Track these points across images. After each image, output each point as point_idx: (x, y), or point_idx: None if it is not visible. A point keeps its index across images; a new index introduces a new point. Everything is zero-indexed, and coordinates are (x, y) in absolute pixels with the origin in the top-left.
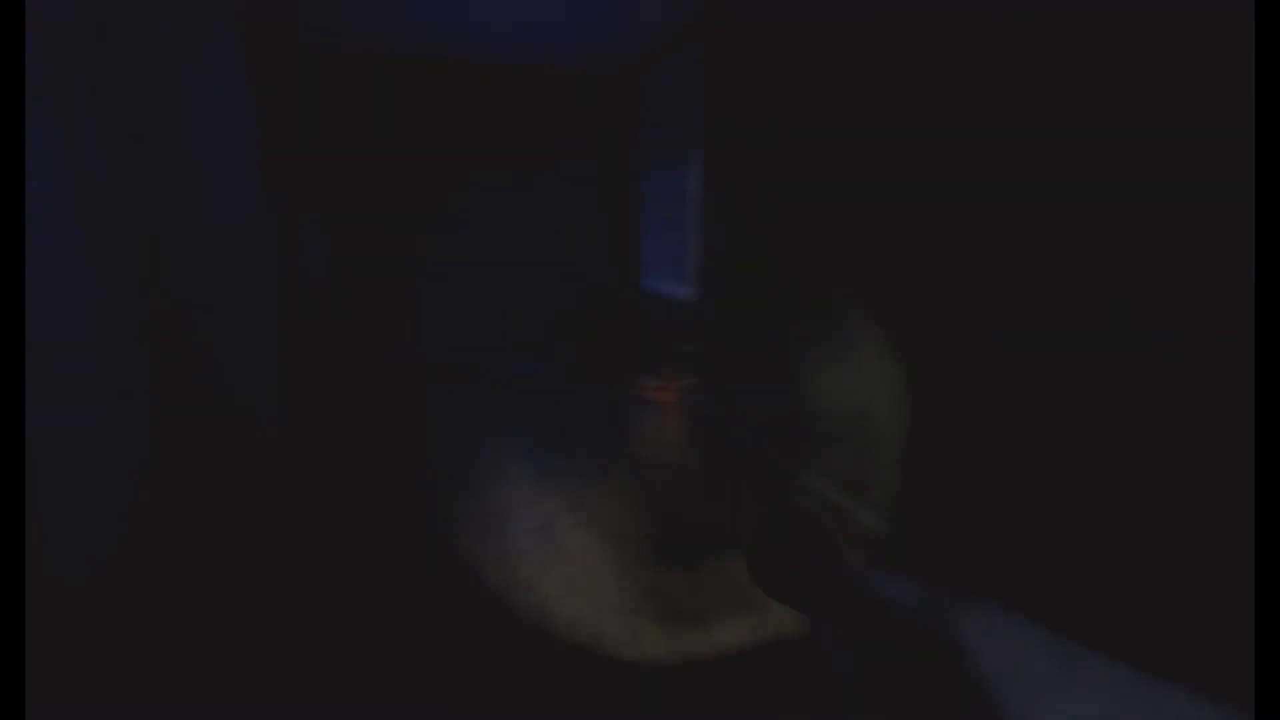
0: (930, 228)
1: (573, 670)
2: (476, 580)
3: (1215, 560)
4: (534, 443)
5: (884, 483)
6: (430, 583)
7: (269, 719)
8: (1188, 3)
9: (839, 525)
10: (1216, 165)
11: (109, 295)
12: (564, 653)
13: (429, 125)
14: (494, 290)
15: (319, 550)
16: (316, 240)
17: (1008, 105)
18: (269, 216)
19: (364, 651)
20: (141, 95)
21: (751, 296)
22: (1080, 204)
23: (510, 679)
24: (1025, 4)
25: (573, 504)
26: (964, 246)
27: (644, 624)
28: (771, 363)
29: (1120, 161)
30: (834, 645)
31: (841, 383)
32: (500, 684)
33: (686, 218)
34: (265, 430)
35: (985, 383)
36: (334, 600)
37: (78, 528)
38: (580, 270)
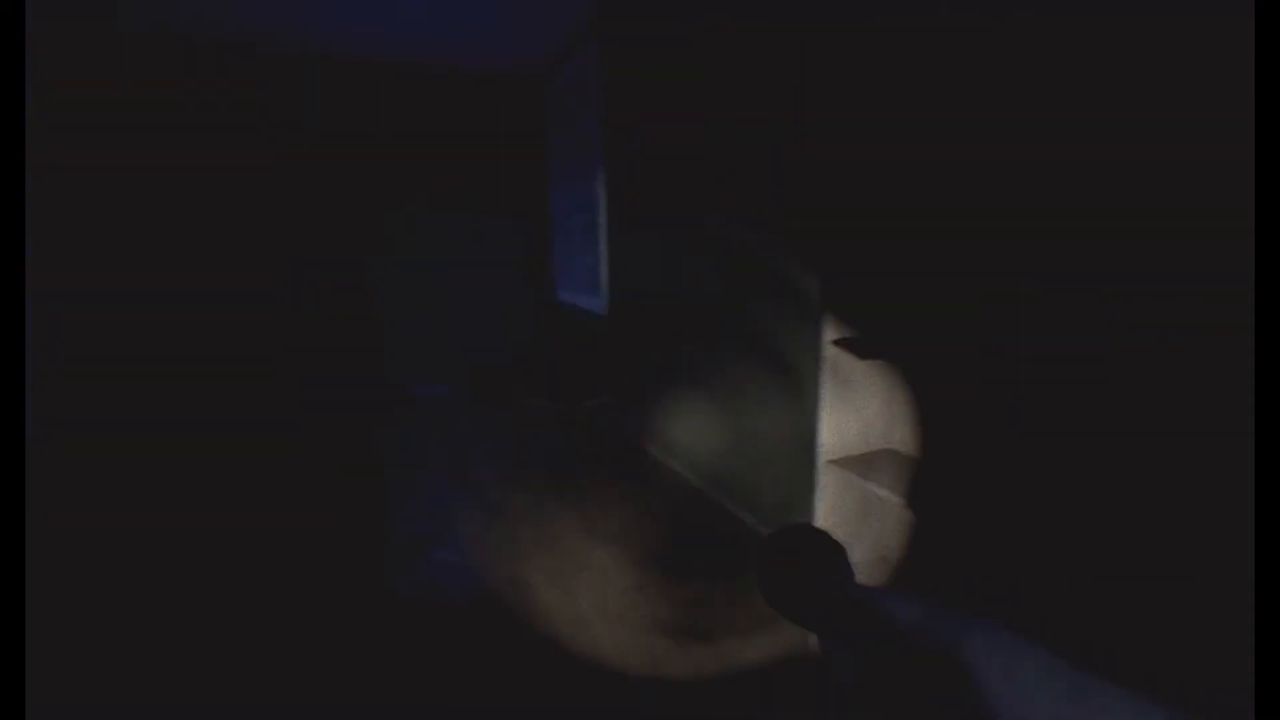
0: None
1: (569, 667)
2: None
3: (1217, 567)
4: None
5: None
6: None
7: (269, 719)
8: (1188, 2)
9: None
10: (1216, 165)
11: None
12: (557, 650)
13: (324, 131)
14: (401, 303)
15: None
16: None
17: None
18: None
19: (364, 660)
20: None
21: (657, 311)
22: (1077, 204)
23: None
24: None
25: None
26: (942, 247)
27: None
28: (681, 382)
29: (1117, 161)
30: (839, 663)
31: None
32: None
33: (598, 228)
34: None
35: (983, 384)
36: (336, 610)
37: None
38: (495, 282)
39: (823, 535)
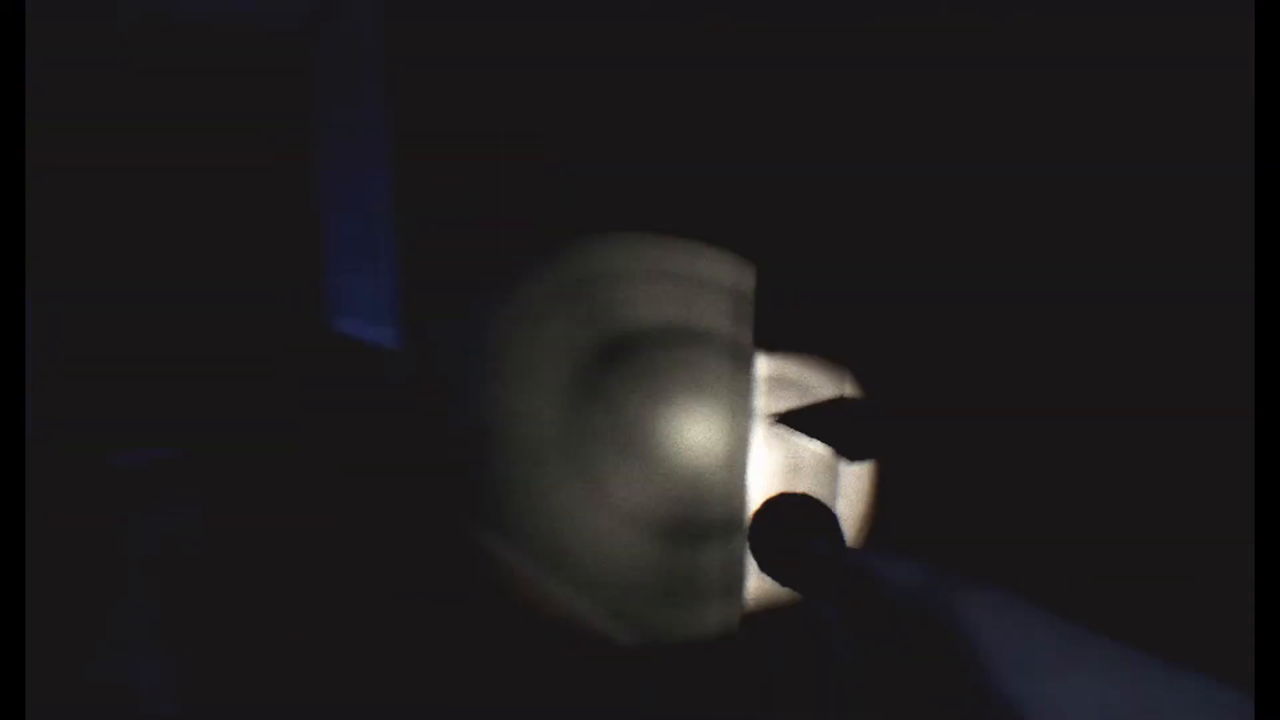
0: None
1: (575, 665)
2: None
3: (1217, 547)
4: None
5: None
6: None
7: (271, 718)
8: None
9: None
10: (1216, 164)
11: None
12: (564, 642)
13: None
14: (97, 336)
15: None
16: None
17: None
18: None
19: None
20: None
21: (470, 338)
22: (1074, 199)
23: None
24: None
25: None
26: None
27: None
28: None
29: (1114, 160)
30: (835, 628)
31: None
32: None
33: (383, 236)
34: None
35: (982, 368)
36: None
37: None
38: (246, 307)
39: (812, 501)
